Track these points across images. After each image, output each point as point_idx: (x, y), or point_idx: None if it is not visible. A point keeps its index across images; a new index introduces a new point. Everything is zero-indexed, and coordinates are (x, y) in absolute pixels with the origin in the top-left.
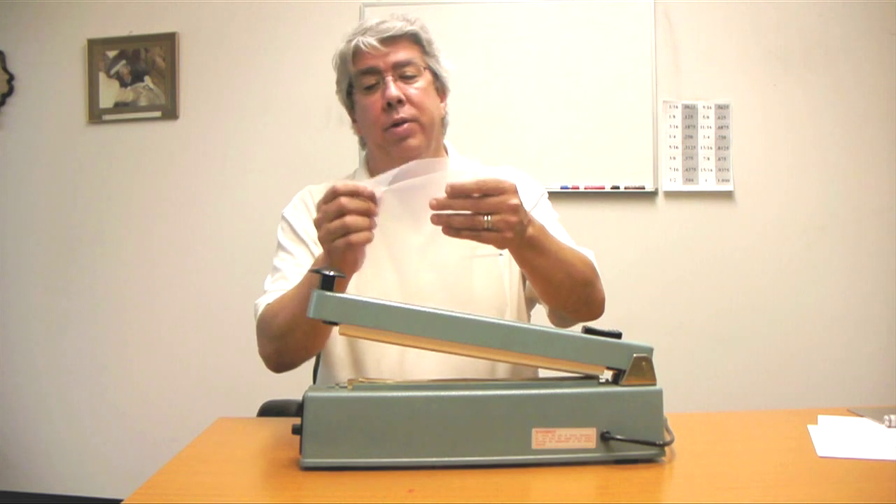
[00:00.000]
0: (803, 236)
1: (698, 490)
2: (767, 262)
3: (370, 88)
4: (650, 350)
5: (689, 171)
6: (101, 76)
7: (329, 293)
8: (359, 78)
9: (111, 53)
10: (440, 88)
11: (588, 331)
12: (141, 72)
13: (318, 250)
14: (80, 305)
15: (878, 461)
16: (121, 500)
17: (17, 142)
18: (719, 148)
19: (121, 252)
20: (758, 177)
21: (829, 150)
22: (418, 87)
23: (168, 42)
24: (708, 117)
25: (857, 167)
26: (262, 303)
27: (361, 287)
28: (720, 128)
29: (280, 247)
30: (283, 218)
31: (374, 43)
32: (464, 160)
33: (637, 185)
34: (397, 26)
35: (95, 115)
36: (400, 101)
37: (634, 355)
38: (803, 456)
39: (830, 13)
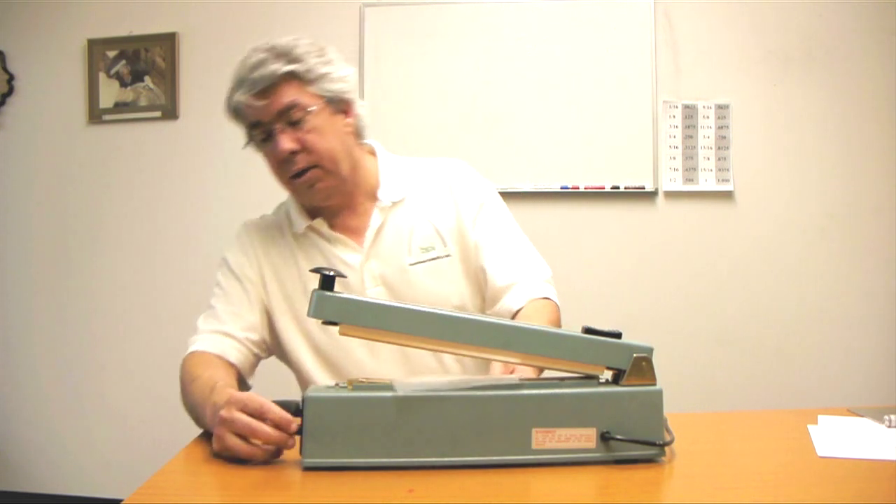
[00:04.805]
0: (803, 236)
1: (698, 490)
2: (767, 261)
3: (265, 141)
4: (650, 350)
5: (689, 171)
6: (101, 76)
7: (329, 293)
8: (249, 132)
9: (111, 53)
10: (339, 106)
11: (588, 331)
12: (141, 72)
13: (252, 287)
14: (80, 305)
15: (878, 461)
16: (121, 500)
17: (17, 142)
18: (719, 148)
19: (120, 252)
20: (758, 177)
21: (829, 150)
22: (309, 129)
23: (168, 42)
24: (708, 117)
25: (857, 167)
26: (190, 346)
27: (289, 315)
28: (720, 128)
29: (215, 283)
30: (223, 257)
31: (250, 101)
32: (394, 159)
33: (637, 185)
34: (269, 71)
35: (95, 115)
36: (294, 153)
37: (634, 355)
38: (803, 456)
39: (830, 13)
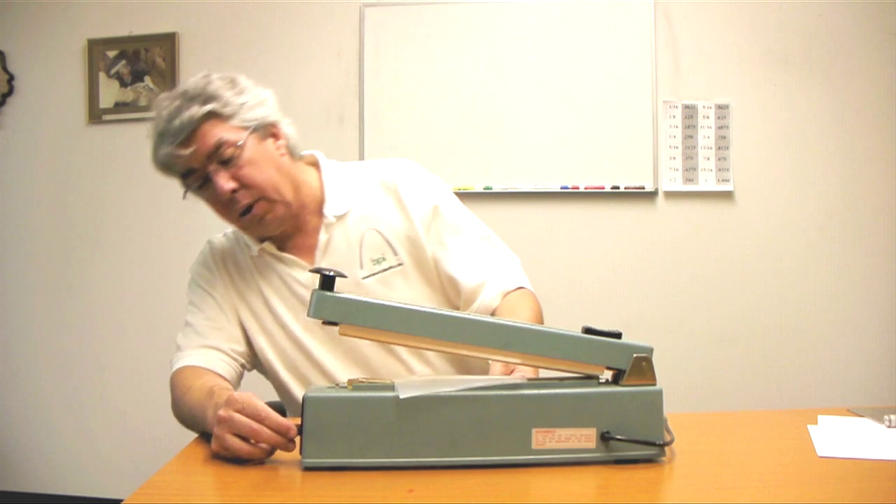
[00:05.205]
0: (803, 236)
1: (698, 490)
2: (767, 262)
3: (201, 187)
4: (650, 350)
5: (689, 171)
6: (101, 76)
7: (329, 293)
8: (184, 182)
9: (111, 53)
10: (266, 131)
11: (588, 331)
12: (141, 72)
13: (225, 302)
14: (80, 305)
15: (878, 461)
16: (121, 500)
17: (17, 142)
18: (719, 148)
19: (121, 252)
20: (758, 177)
21: (829, 150)
22: (243, 164)
23: (168, 42)
24: (708, 117)
25: (857, 167)
26: (176, 363)
27: (260, 332)
28: (720, 128)
29: (189, 302)
30: (191, 277)
31: (176, 151)
32: (337, 168)
33: (637, 185)
34: (187, 117)
35: (95, 115)
36: (234, 191)
37: (634, 355)
38: (803, 456)
39: (830, 13)
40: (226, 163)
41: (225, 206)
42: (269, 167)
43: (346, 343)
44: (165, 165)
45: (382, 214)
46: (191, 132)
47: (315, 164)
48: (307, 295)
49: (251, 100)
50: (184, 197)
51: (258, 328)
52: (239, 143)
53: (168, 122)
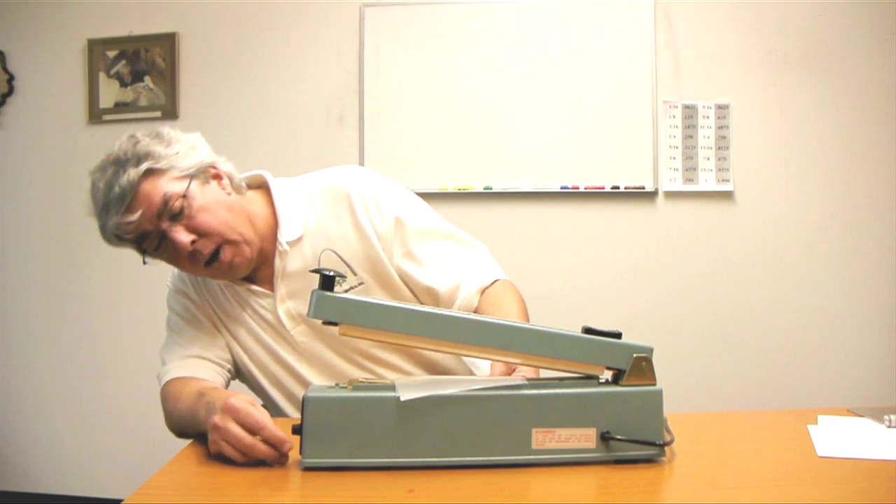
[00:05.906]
0: (803, 236)
1: (698, 490)
2: (767, 262)
3: (158, 247)
4: (650, 350)
5: (689, 171)
6: (101, 76)
7: (329, 293)
8: (138, 248)
9: (111, 53)
10: (207, 174)
11: (588, 331)
12: (141, 72)
13: (205, 316)
14: (80, 305)
15: (878, 461)
16: (121, 500)
17: (17, 142)
18: (719, 148)
19: (120, 251)
20: (758, 177)
21: (829, 150)
22: (195, 213)
23: (168, 42)
24: (708, 117)
25: (857, 167)
26: (164, 377)
27: (238, 346)
28: (720, 128)
29: (169, 316)
30: (170, 292)
31: (125, 219)
32: (287, 188)
33: (637, 185)
34: (126, 181)
35: (95, 115)
36: (194, 242)
37: (634, 355)
38: (803, 456)
39: (830, 13)
40: (177, 217)
41: (189, 259)
42: (220, 210)
43: (321, 361)
44: (117, 237)
45: (337, 233)
46: (133, 195)
47: (263, 186)
48: (273, 319)
49: (182, 148)
50: (144, 262)
51: (235, 343)
52: (185, 194)
53: (108, 192)
